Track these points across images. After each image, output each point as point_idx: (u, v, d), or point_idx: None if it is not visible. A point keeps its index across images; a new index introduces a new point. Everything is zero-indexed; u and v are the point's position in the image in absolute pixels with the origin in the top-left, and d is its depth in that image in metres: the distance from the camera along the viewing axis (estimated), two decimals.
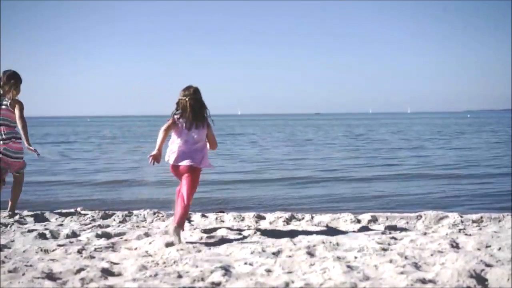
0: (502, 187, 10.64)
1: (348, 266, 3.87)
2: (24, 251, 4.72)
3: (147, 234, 5.39)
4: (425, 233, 5.33)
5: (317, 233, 5.33)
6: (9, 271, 3.96)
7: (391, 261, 4.05)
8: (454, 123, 65.08)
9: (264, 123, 77.93)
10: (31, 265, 4.15)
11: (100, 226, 6.04)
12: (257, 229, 5.58)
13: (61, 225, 6.24)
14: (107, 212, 6.91)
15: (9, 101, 6.44)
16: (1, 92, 6.46)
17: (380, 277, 3.68)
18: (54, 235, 5.45)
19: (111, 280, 3.76)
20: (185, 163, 5.30)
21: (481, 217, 6.08)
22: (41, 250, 4.72)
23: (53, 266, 4.12)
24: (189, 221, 6.23)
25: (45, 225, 6.16)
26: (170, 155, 5.40)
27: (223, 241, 5.05)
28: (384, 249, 4.48)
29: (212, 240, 5.09)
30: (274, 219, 6.22)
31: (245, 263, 4.09)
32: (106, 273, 3.93)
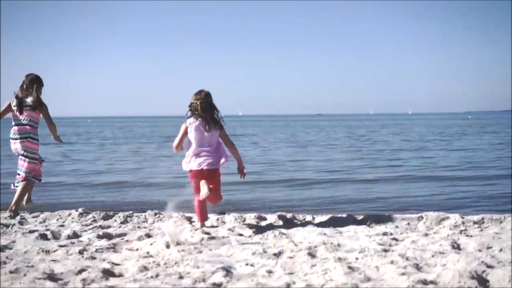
0: (504, 189, 10.61)
1: (349, 267, 3.87)
2: (25, 252, 4.73)
3: (148, 235, 5.40)
4: (426, 234, 5.33)
5: (318, 234, 5.33)
6: (11, 272, 3.97)
7: (392, 262, 4.05)
8: (455, 124, 65.04)
9: (265, 124, 77.92)
10: (32, 266, 4.15)
11: (101, 227, 6.05)
12: (258, 230, 5.59)
13: (62, 225, 6.25)
14: (108, 213, 6.92)
15: (34, 103, 6.80)
16: (25, 94, 6.84)
17: (381, 278, 3.68)
18: (55, 236, 5.46)
19: (112, 281, 3.77)
20: (205, 167, 5.68)
21: (482, 218, 6.08)
22: (42, 251, 4.73)
23: (54, 267, 4.12)
24: (190, 222, 6.24)
25: (46, 226, 6.17)
26: (189, 163, 5.75)
27: (224, 242, 5.05)
28: (385, 250, 4.48)
29: (213, 241, 5.09)
30: (275, 220, 6.23)
31: (246, 264, 4.09)
32: (107, 273, 3.93)
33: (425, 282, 3.49)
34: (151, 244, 4.92)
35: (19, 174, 6.94)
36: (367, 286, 3.49)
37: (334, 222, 6.10)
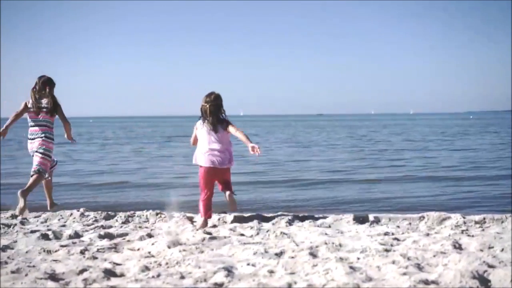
0: (506, 189, 10.59)
1: (351, 267, 3.87)
2: (26, 252, 4.73)
3: (149, 235, 5.41)
4: (427, 234, 5.33)
5: (320, 234, 5.33)
6: (12, 272, 3.97)
7: (393, 262, 4.04)
8: (457, 124, 64.98)
9: (267, 124, 77.91)
10: (33, 266, 4.16)
11: (102, 226, 6.05)
12: (260, 230, 5.58)
13: (63, 225, 6.26)
14: (109, 213, 6.92)
15: (49, 104, 7.04)
16: (38, 96, 7.07)
17: (383, 278, 3.68)
18: (57, 236, 5.46)
19: (114, 281, 3.77)
20: (217, 166, 6.05)
21: (484, 218, 6.07)
22: (44, 251, 4.73)
23: (55, 267, 4.13)
24: (192, 222, 6.24)
25: (47, 226, 6.18)
26: (198, 158, 6.13)
27: (225, 242, 5.06)
28: (387, 250, 4.47)
29: (214, 241, 5.09)
30: (277, 220, 6.23)
31: (248, 264, 4.10)
32: (109, 273, 3.94)
33: (426, 282, 3.49)
34: (152, 244, 4.92)
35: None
36: (369, 286, 3.49)
37: (335, 222, 6.10)
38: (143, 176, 13.58)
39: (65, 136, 7.39)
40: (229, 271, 3.89)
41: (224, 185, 6.22)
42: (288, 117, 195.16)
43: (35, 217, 6.85)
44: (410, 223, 6.08)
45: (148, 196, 10.23)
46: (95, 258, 4.50)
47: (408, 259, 4.15)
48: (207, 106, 6.06)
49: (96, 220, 6.55)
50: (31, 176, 7.02)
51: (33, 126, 7.10)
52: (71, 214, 6.87)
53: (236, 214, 6.59)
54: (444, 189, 10.79)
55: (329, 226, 5.92)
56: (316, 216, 6.49)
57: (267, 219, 6.34)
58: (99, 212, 7.00)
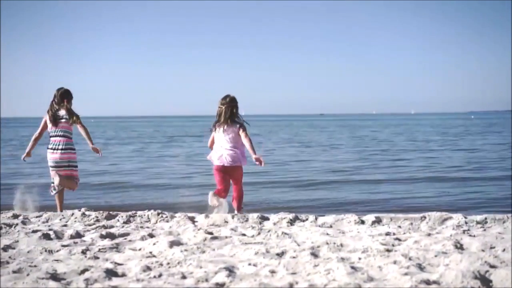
0: (508, 190, 10.57)
1: (352, 267, 3.86)
2: (28, 252, 4.73)
3: (151, 235, 5.41)
4: (429, 234, 5.31)
5: (321, 234, 5.32)
6: (14, 272, 3.97)
7: (395, 262, 4.04)
8: (459, 124, 64.89)
9: (269, 124, 77.89)
10: (35, 266, 4.16)
11: (104, 226, 6.05)
12: (261, 230, 5.58)
13: (65, 225, 6.26)
14: (111, 212, 6.92)
15: (67, 115, 7.32)
16: (57, 108, 7.36)
17: (384, 278, 3.68)
18: (58, 236, 5.47)
19: (115, 281, 3.77)
20: (229, 164, 6.54)
21: (485, 218, 6.07)
22: (45, 251, 4.73)
23: (57, 267, 4.13)
24: (193, 222, 6.24)
25: (49, 226, 6.18)
26: (212, 157, 6.66)
27: (227, 242, 5.05)
28: (388, 250, 4.47)
29: (216, 241, 5.09)
30: (278, 220, 6.22)
31: (249, 264, 4.09)
32: (110, 273, 3.93)
33: (428, 282, 3.49)
34: (154, 244, 4.92)
35: (53, 183, 7.37)
36: (370, 286, 3.49)
37: (337, 222, 6.10)
38: (144, 176, 13.59)
39: (90, 147, 7.56)
40: (230, 271, 3.89)
41: (235, 185, 6.72)
42: (290, 117, 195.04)
43: (36, 217, 6.85)
44: (411, 223, 6.07)
45: (149, 196, 10.24)
46: (96, 258, 4.50)
47: (410, 259, 4.14)
48: (223, 108, 6.49)
49: (97, 220, 6.55)
50: (54, 193, 7.38)
51: (53, 136, 7.36)
52: (73, 214, 6.87)
53: (237, 214, 6.59)
54: (447, 190, 10.78)
55: (331, 226, 5.92)
56: (318, 216, 6.48)
57: (269, 219, 6.34)
58: (101, 212, 6.99)
